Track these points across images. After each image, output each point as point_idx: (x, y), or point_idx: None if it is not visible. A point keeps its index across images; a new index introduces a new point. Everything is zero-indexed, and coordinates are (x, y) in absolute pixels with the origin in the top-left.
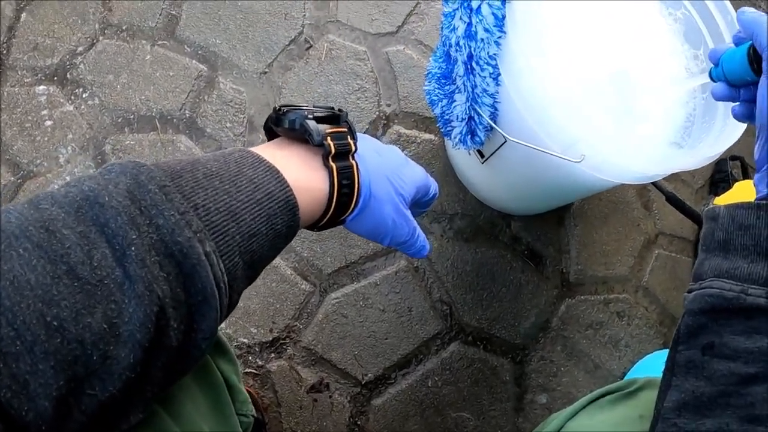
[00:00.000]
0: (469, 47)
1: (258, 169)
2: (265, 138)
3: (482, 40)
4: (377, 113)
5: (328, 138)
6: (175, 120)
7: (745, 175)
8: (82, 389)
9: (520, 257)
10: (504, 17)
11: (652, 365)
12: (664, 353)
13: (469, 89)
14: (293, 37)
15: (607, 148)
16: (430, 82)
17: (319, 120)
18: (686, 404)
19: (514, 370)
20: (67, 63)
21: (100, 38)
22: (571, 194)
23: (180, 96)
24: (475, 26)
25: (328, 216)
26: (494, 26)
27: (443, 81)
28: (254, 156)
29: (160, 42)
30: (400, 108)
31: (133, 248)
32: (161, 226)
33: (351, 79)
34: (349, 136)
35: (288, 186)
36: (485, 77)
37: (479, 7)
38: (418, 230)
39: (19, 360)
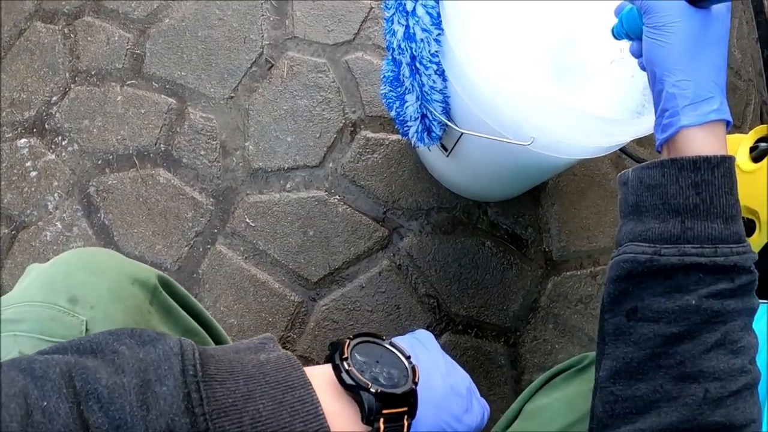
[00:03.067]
0: (411, 48)
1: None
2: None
3: (422, 40)
4: (343, 121)
5: (381, 420)
6: (151, 155)
7: None
8: None
9: (500, 242)
10: (439, 15)
11: None
12: None
13: (418, 89)
14: (254, 59)
15: (554, 127)
16: (384, 85)
17: (382, 396)
18: (619, 371)
19: (508, 353)
20: (44, 114)
21: (72, 86)
22: (538, 175)
23: (153, 131)
24: (413, 28)
25: None
26: (431, 25)
27: (395, 83)
28: (312, 404)
29: (128, 82)
30: (365, 113)
31: None
32: None
33: (314, 92)
34: (406, 417)
35: None
36: (430, 75)
37: (414, 8)
38: None
39: None
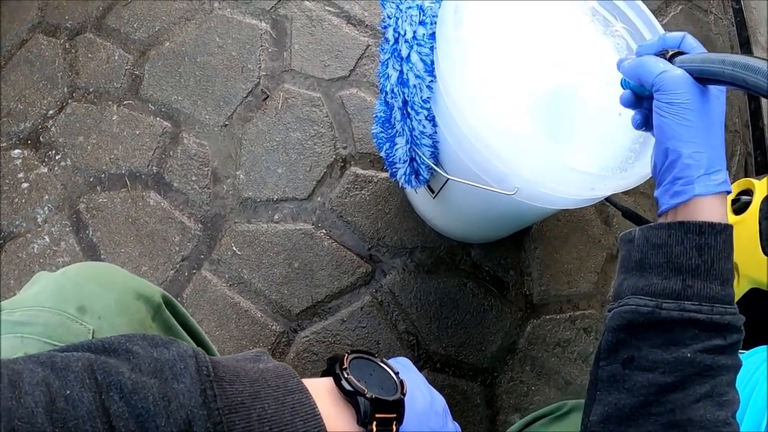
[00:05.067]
0: (403, 93)
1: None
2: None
3: (414, 86)
4: (334, 156)
5: (374, 423)
6: (143, 176)
7: None
8: None
9: (482, 284)
10: (433, 62)
11: None
12: None
13: (408, 133)
14: (250, 89)
15: (538, 179)
16: (376, 125)
17: (376, 402)
18: (610, 416)
19: (484, 393)
20: (39, 126)
21: (69, 101)
22: (522, 221)
23: (147, 153)
24: (407, 73)
25: None
26: (424, 72)
27: (386, 125)
28: (310, 405)
29: (125, 102)
30: (356, 149)
31: None
32: None
33: (307, 125)
34: (394, 423)
35: None
36: (421, 120)
37: (408, 55)
38: None
39: None
